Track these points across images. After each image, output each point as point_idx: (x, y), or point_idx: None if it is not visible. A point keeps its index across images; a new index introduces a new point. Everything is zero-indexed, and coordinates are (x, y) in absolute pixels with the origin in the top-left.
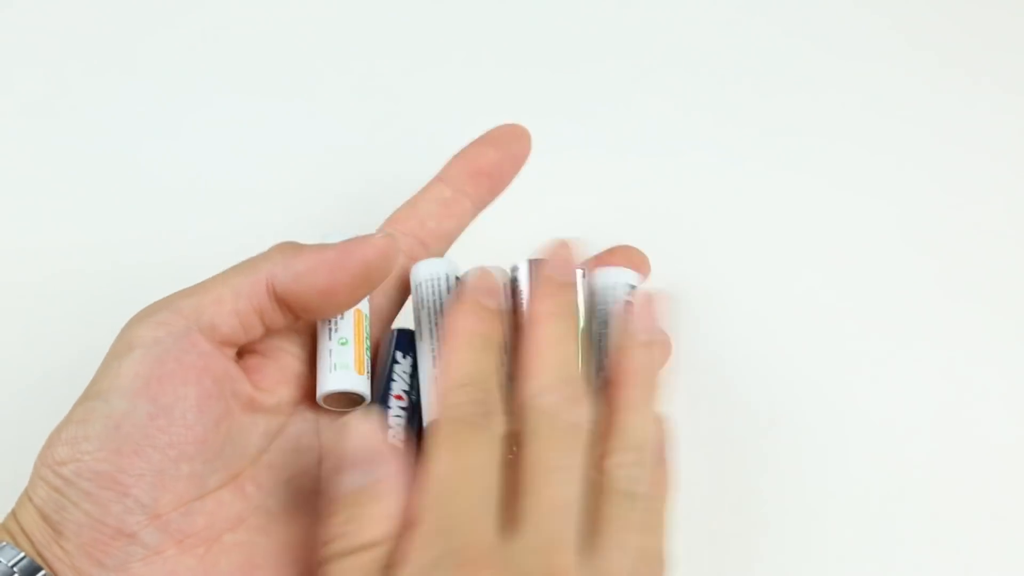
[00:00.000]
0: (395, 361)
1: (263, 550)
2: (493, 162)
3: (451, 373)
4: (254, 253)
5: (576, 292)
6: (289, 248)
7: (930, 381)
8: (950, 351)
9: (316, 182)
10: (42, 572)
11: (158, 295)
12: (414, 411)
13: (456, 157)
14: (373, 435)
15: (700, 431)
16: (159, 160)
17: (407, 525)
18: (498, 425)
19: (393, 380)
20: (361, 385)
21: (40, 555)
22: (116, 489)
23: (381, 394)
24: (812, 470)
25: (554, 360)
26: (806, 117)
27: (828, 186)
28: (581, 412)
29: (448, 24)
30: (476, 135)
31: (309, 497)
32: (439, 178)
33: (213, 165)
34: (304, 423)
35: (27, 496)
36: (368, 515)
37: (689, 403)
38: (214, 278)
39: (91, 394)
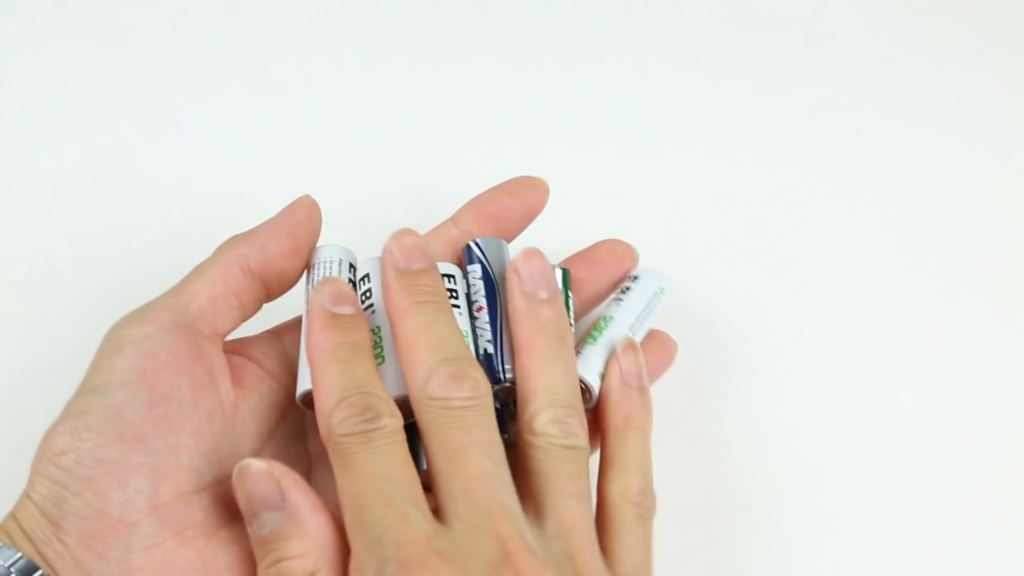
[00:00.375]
0: None
1: None
2: (503, 207)
3: (326, 392)
4: None
5: (436, 272)
6: (241, 234)
7: (929, 380)
8: (949, 349)
9: (313, 188)
10: (39, 572)
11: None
12: None
13: (470, 201)
14: (270, 472)
15: (697, 427)
16: (155, 161)
17: (331, 561)
18: (390, 421)
19: None
20: None
21: (40, 553)
22: (118, 476)
23: None
24: (808, 467)
25: (426, 345)
26: (804, 116)
27: (824, 185)
28: (470, 385)
29: (448, 24)
30: (471, 134)
31: None
32: (451, 219)
33: (213, 167)
34: (292, 428)
35: (26, 495)
36: (289, 552)
37: (687, 399)
38: (186, 278)
39: (86, 389)
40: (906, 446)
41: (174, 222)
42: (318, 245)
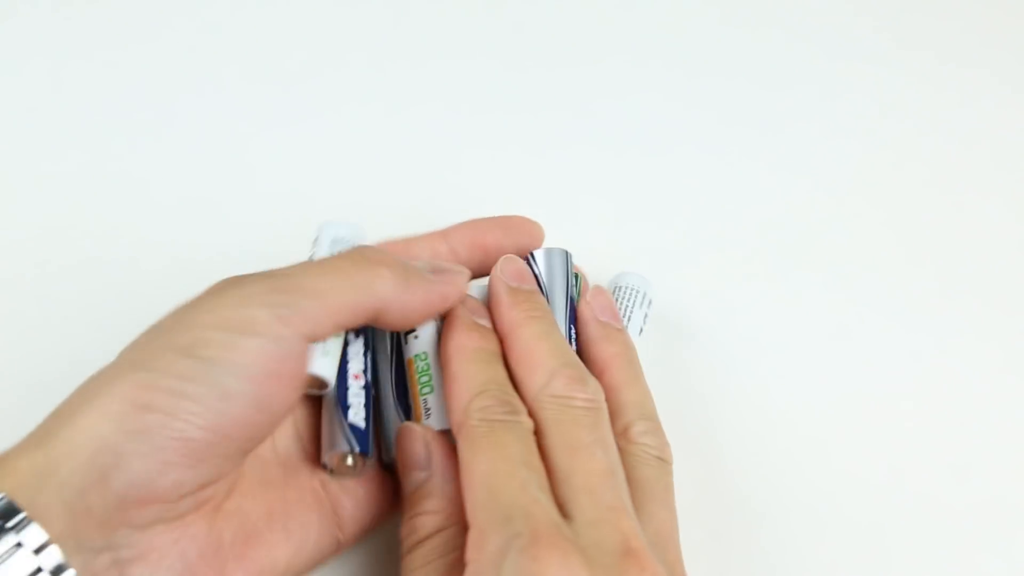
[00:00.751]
0: (347, 343)
1: (254, 514)
2: (495, 241)
3: (467, 383)
4: (249, 255)
5: (542, 297)
6: (399, 272)
7: (932, 380)
8: (952, 349)
9: (313, 185)
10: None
11: (151, 294)
12: (369, 389)
13: (466, 222)
14: (424, 436)
15: (696, 428)
16: (155, 160)
17: (461, 523)
18: (527, 420)
19: (348, 361)
20: (335, 374)
21: (67, 504)
22: (191, 459)
23: (340, 375)
24: (808, 468)
25: (547, 351)
26: (806, 116)
27: (826, 184)
28: (592, 389)
29: (449, 24)
30: (472, 133)
31: (279, 472)
32: (442, 232)
33: (212, 166)
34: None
35: (80, 428)
36: (427, 508)
37: (687, 398)
38: (327, 279)
39: (189, 351)
40: (907, 447)
41: (173, 221)
42: (335, 220)
